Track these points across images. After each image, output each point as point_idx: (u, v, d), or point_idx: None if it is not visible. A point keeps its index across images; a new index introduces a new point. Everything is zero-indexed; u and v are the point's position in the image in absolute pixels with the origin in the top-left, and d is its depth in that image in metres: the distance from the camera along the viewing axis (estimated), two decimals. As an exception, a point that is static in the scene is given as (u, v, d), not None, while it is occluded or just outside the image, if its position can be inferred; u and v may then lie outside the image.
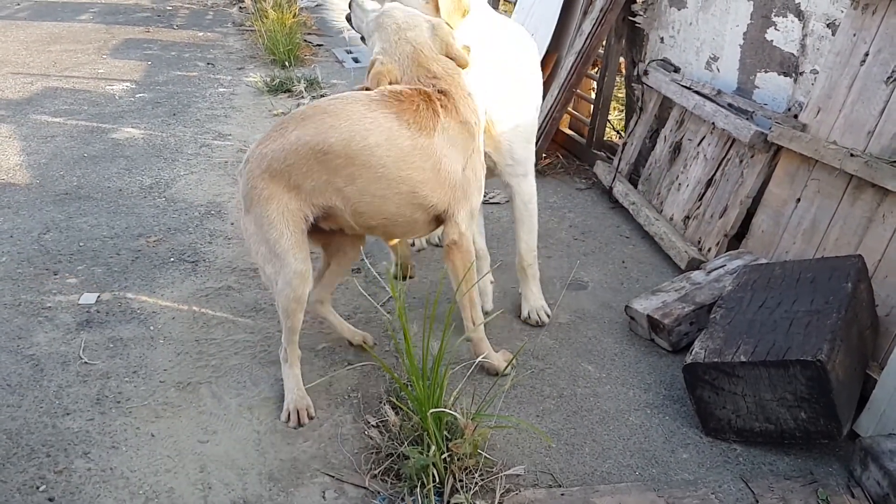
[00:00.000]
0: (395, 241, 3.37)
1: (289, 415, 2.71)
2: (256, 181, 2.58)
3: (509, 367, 2.91)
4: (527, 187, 3.16)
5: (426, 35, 2.71)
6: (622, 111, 5.70)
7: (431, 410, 2.32)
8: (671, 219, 4.02)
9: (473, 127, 2.69)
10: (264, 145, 2.60)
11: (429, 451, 2.30)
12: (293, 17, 8.50)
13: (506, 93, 3.01)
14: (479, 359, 2.80)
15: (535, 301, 3.33)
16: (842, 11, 3.31)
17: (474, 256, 2.78)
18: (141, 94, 6.95)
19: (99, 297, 3.48)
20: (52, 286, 3.57)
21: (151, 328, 3.25)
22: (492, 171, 3.09)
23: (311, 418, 2.71)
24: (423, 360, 2.44)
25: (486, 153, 2.97)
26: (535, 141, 3.22)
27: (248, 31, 9.79)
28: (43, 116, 6.23)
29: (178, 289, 3.57)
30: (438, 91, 2.64)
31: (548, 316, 3.31)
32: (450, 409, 2.36)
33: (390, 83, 2.67)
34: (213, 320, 3.31)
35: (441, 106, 2.62)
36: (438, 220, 2.74)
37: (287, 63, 7.86)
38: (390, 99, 2.58)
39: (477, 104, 2.73)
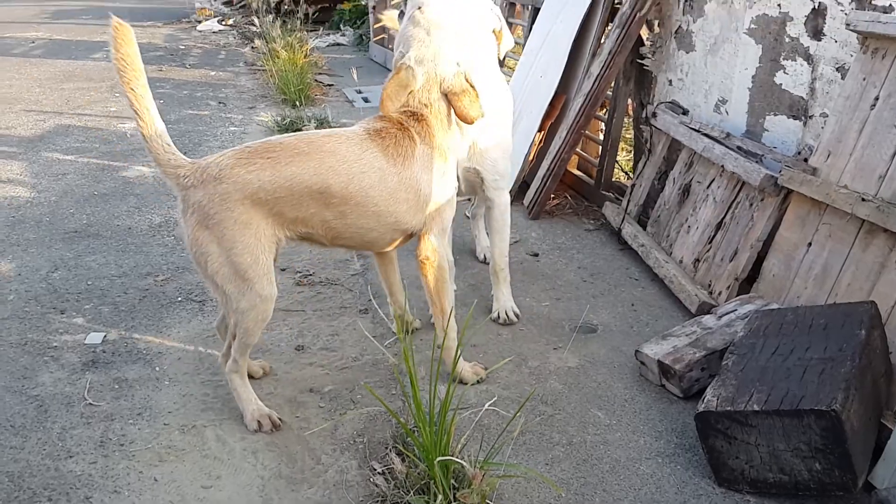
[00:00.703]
0: (396, 294, 3.40)
1: (258, 423, 2.80)
2: (234, 204, 2.56)
3: (475, 378, 3.09)
4: (505, 199, 3.62)
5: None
6: (630, 152, 5.71)
7: (438, 458, 2.28)
8: (681, 261, 3.99)
9: (447, 150, 2.86)
10: (247, 170, 2.57)
11: (435, 501, 2.26)
12: (304, 57, 8.60)
13: (492, 119, 3.37)
14: (458, 370, 3.00)
15: (504, 302, 3.68)
16: (851, 55, 3.32)
17: (447, 270, 2.99)
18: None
19: (105, 336, 3.47)
20: (59, 325, 3.56)
21: (157, 369, 3.23)
22: (476, 187, 3.60)
23: (279, 422, 2.84)
24: (430, 406, 2.41)
25: (474, 169, 3.49)
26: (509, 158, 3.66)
27: (259, 70, 9.90)
28: (55, 154, 6.28)
29: (185, 329, 3.56)
30: (413, 116, 2.81)
31: (516, 316, 3.65)
32: (457, 457, 2.32)
33: (409, 93, 2.83)
34: (219, 362, 3.28)
35: (416, 133, 2.78)
36: (411, 235, 2.93)
37: (298, 102, 7.94)
38: (374, 137, 2.73)
39: (461, 130, 2.99)
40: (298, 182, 2.57)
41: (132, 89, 2.55)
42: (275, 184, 2.56)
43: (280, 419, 2.84)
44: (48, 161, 6.08)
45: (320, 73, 9.57)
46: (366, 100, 8.55)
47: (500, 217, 3.61)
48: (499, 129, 3.52)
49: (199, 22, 15.34)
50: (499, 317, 3.65)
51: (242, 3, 16.41)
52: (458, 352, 2.62)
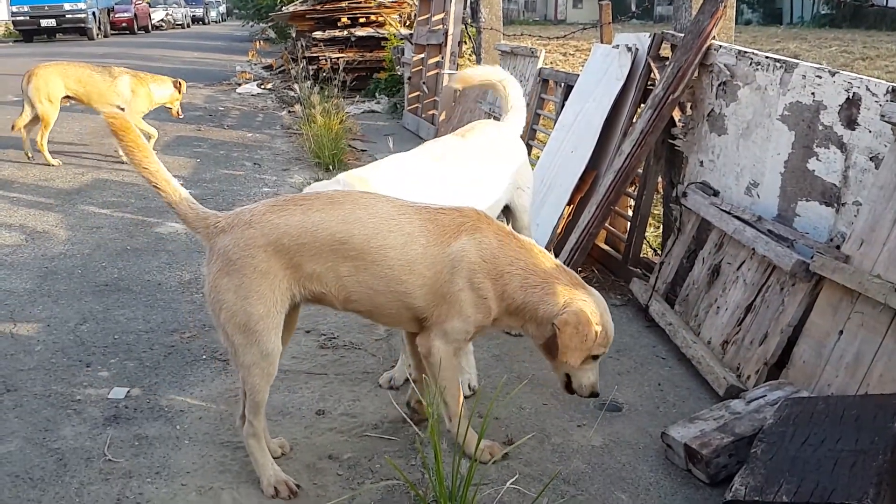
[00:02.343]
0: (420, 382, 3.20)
1: (275, 489, 2.75)
2: (256, 251, 2.59)
3: (490, 458, 2.95)
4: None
5: None
6: (659, 228, 5.71)
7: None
8: (709, 342, 3.95)
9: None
10: (278, 216, 2.62)
11: (453, 580, 2.21)
12: (339, 122, 8.79)
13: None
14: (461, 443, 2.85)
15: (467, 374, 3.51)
16: (885, 146, 3.32)
17: (453, 370, 2.88)
18: (188, 191, 7.12)
19: (129, 392, 3.48)
20: (84, 378, 3.58)
21: (178, 427, 3.22)
22: None
23: (297, 488, 2.79)
24: (453, 481, 2.37)
25: None
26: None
27: (295, 134, 10.11)
28: (91, 207, 6.42)
29: (208, 387, 3.56)
30: (470, 215, 2.79)
31: (471, 390, 3.48)
32: (477, 535, 2.27)
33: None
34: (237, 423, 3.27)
35: (465, 229, 2.74)
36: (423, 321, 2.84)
37: (331, 166, 8.08)
38: (423, 210, 2.73)
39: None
40: (324, 228, 2.60)
41: (145, 168, 2.66)
42: (301, 228, 2.59)
43: (297, 486, 2.80)
44: (84, 214, 6.21)
45: (354, 139, 9.75)
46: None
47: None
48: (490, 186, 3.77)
49: (239, 84, 15.76)
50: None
51: (282, 67, 16.87)
52: (467, 426, 2.62)
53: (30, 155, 8.02)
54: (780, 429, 2.77)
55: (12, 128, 8.09)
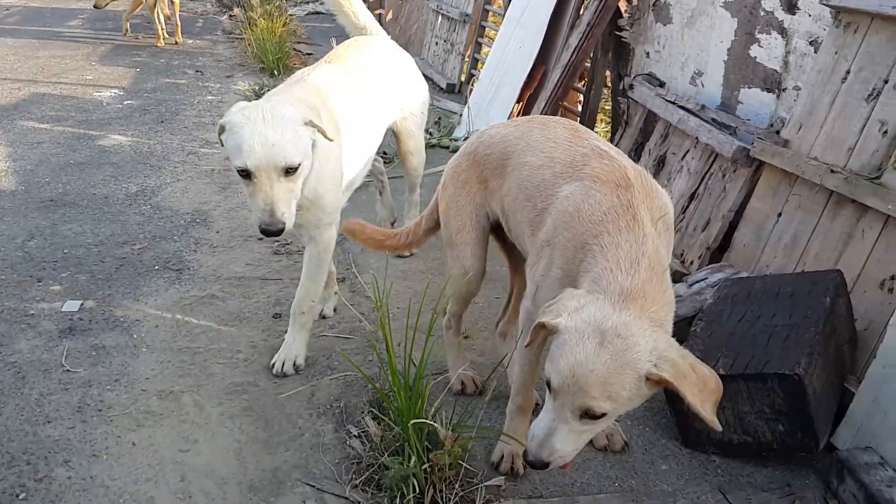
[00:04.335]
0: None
1: (462, 385, 2.87)
2: (462, 160, 2.63)
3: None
4: (329, 236, 3.05)
5: None
6: (609, 124, 5.74)
7: (412, 421, 2.33)
8: (655, 232, 4.04)
9: None
10: (494, 127, 2.61)
11: (409, 462, 2.31)
12: (283, 25, 8.53)
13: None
14: None
15: (291, 350, 3.05)
16: (824, 29, 3.36)
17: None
18: (129, 101, 6.95)
19: (82, 304, 3.48)
20: (36, 293, 3.56)
21: (134, 336, 3.25)
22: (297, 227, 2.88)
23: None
24: (406, 371, 2.45)
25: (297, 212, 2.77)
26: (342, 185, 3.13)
27: (237, 38, 9.82)
28: (30, 122, 6.22)
29: (162, 297, 3.57)
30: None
31: (295, 369, 3.02)
32: (431, 420, 2.36)
33: None
34: (197, 329, 3.31)
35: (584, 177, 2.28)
36: None
37: (276, 72, 7.89)
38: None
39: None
40: (500, 140, 2.48)
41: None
42: (489, 138, 2.54)
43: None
44: (23, 130, 6.02)
45: (299, 42, 9.50)
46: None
47: (319, 257, 3.04)
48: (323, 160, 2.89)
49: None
50: (274, 366, 3.02)
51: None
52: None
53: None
54: (719, 308, 2.89)
55: None
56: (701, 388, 1.88)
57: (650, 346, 1.85)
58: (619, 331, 1.84)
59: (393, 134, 3.80)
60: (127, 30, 10.05)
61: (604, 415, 1.87)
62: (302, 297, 3.07)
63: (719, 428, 1.90)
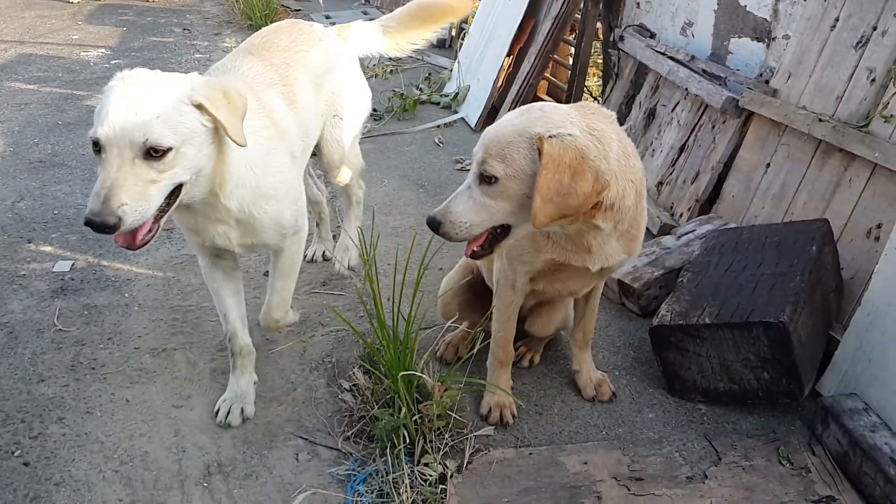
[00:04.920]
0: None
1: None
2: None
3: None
4: (298, 243, 2.63)
5: None
6: (600, 77, 5.69)
7: (401, 374, 2.36)
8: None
9: None
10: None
11: (399, 414, 2.34)
12: (271, -19, 8.39)
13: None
14: None
15: (245, 397, 2.60)
16: (813, -24, 3.32)
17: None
18: (116, 61, 6.87)
19: (73, 264, 3.48)
20: (27, 254, 3.57)
21: (126, 295, 3.26)
22: (252, 249, 2.56)
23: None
24: (394, 325, 2.47)
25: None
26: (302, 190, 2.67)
27: (225, -5, 9.66)
28: (17, 84, 6.15)
29: (153, 256, 3.57)
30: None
31: (243, 419, 2.57)
32: (419, 373, 2.39)
33: None
34: (188, 287, 3.32)
35: None
36: None
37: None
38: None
39: None
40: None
41: None
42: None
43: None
44: (10, 91, 5.96)
45: (288, -2, 9.36)
46: (334, 24, 8.39)
47: (290, 262, 2.64)
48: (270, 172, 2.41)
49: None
50: (217, 415, 2.56)
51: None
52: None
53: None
54: (706, 258, 2.90)
55: None
56: None
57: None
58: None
59: (317, 147, 3.05)
60: None
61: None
62: (276, 304, 2.66)
63: None
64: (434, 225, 2.09)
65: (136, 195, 1.92)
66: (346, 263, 3.36)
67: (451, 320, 2.75)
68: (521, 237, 2.14)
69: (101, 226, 1.88)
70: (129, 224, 1.91)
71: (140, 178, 1.93)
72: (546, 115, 2.00)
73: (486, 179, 2.01)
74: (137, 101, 1.94)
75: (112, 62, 6.81)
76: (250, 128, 2.19)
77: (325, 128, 3.03)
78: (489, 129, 2.07)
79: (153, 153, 1.93)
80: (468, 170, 4.48)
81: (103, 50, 7.22)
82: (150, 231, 2.03)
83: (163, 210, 2.04)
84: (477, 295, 2.78)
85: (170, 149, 1.96)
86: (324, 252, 3.58)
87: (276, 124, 2.48)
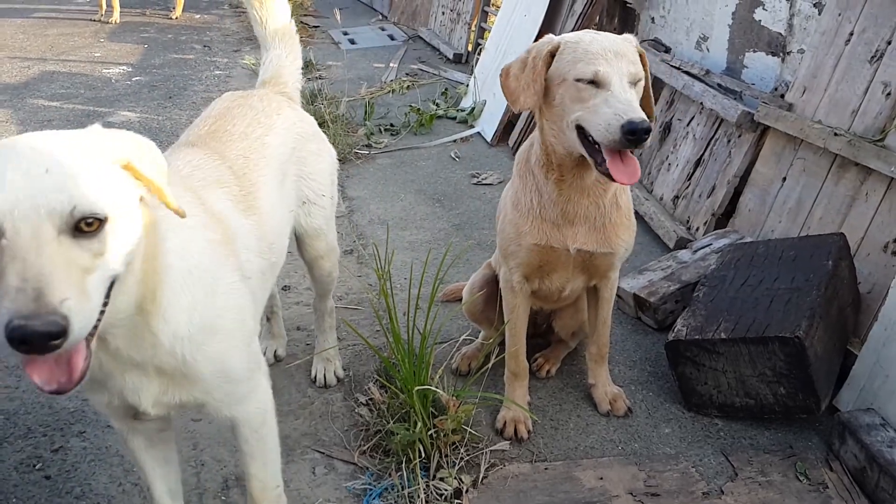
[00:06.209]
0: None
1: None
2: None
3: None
4: (256, 407, 1.91)
5: None
6: (616, 91, 5.71)
7: (416, 388, 2.37)
8: (661, 198, 4.05)
9: None
10: None
11: (415, 428, 2.36)
12: (289, -2, 8.48)
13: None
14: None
15: None
16: (828, -9, 3.33)
17: None
18: (137, 78, 6.98)
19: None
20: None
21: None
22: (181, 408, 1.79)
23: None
24: (409, 340, 2.49)
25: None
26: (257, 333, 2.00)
27: (244, 12, 9.77)
28: (39, 100, 6.26)
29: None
30: None
31: None
32: (434, 387, 2.41)
33: None
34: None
35: None
36: None
37: (283, 45, 7.87)
38: None
39: None
40: None
41: None
42: None
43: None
44: (33, 108, 6.06)
45: (306, 15, 9.46)
46: (352, 41, 8.47)
47: (255, 435, 1.93)
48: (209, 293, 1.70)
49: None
50: None
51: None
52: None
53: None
54: (722, 273, 2.90)
55: None
56: None
57: None
58: None
59: (295, 235, 2.55)
60: (101, 5, 9.75)
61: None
62: (258, 493, 2.03)
63: None
64: (649, 129, 2.02)
65: (76, 287, 1.23)
66: (334, 374, 2.87)
67: (468, 331, 2.77)
68: None
69: (42, 336, 1.16)
70: (77, 331, 1.21)
71: (72, 262, 1.25)
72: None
73: (636, 81, 2.14)
74: (46, 158, 1.28)
75: (133, 79, 6.92)
76: (188, 219, 1.57)
77: (299, 220, 2.46)
78: (608, 44, 2.13)
79: (84, 226, 1.27)
80: (485, 183, 4.53)
81: (125, 67, 7.33)
82: (86, 356, 1.31)
83: (96, 324, 1.30)
84: (497, 304, 2.80)
85: (105, 219, 1.30)
86: (276, 351, 3.00)
87: (222, 228, 1.83)
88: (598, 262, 2.45)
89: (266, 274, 2.09)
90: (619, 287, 3.21)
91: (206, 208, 1.80)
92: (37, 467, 2.43)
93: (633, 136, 1.98)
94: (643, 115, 2.02)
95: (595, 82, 2.09)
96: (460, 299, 2.99)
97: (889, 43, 2.96)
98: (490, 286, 2.83)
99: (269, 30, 2.58)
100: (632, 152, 2.11)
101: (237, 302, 1.76)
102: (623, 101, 2.03)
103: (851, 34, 3.13)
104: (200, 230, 1.71)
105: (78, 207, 1.26)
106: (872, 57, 3.02)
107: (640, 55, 2.23)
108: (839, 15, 3.20)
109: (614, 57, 2.10)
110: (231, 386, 1.77)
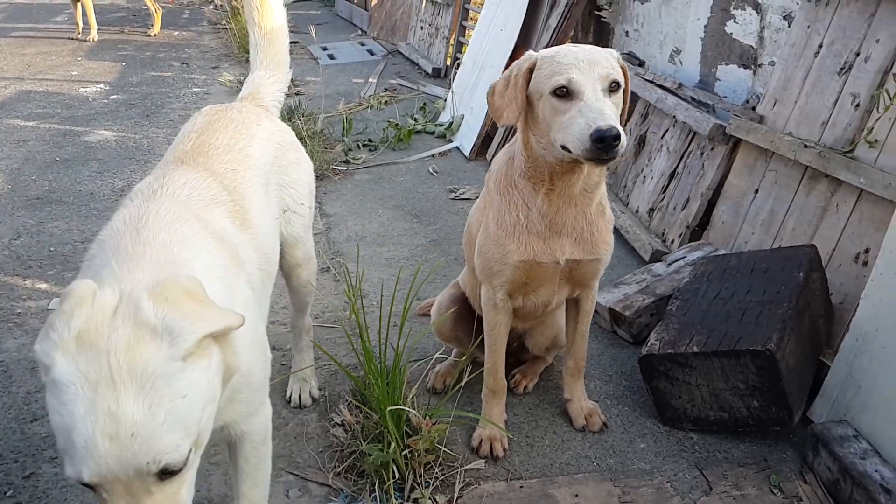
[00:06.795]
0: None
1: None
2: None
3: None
4: (262, 421, 1.94)
5: None
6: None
7: (389, 408, 2.36)
8: (636, 211, 4.07)
9: None
10: None
11: (389, 448, 2.35)
12: (267, 14, 8.48)
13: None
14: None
15: None
16: (797, 3, 3.36)
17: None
18: (114, 96, 6.95)
19: (68, 302, 3.49)
20: (23, 292, 3.59)
21: (120, 332, 3.26)
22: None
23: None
24: (382, 359, 2.48)
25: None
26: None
27: (223, 29, 9.78)
28: (16, 120, 6.22)
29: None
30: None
31: None
32: (409, 407, 2.39)
33: None
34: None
35: None
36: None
37: (262, 61, 7.86)
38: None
39: None
40: None
41: None
42: None
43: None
44: (9, 128, 6.02)
45: (285, 31, 9.47)
46: (331, 56, 8.48)
47: (254, 452, 1.95)
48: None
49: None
50: None
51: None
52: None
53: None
54: (695, 286, 2.91)
55: None
56: None
57: None
58: None
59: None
60: (78, 23, 9.80)
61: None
62: None
63: None
64: (617, 135, 1.98)
65: None
66: (309, 395, 2.85)
67: (443, 349, 2.76)
68: None
69: None
70: None
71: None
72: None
73: (614, 88, 2.13)
74: (129, 409, 1.27)
75: (111, 97, 6.89)
76: (203, 262, 1.67)
77: (279, 228, 2.44)
78: (581, 54, 2.12)
79: (167, 474, 1.34)
80: (463, 198, 4.53)
81: (102, 85, 7.30)
82: None
83: None
84: (466, 323, 2.81)
85: (187, 458, 1.36)
86: None
87: (228, 249, 1.83)
88: (585, 270, 2.44)
89: (265, 284, 2.12)
90: (594, 301, 3.23)
91: (209, 231, 1.81)
92: (7, 494, 2.40)
93: (601, 143, 1.96)
94: (612, 122, 1.99)
95: (570, 92, 2.09)
96: None
97: (857, 55, 2.99)
98: (458, 305, 2.82)
99: (265, 30, 2.66)
100: (608, 167, 2.12)
101: (251, 315, 1.76)
102: (594, 110, 2.02)
103: (821, 46, 3.16)
104: (213, 266, 1.71)
105: (163, 463, 1.31)
106: (841, 69, 3.05)
107: (623, 70, 2.23)
108: (808, 27, 3.23)
109: (587, 65, 2.10)
110: (252, 394, 1.82)
